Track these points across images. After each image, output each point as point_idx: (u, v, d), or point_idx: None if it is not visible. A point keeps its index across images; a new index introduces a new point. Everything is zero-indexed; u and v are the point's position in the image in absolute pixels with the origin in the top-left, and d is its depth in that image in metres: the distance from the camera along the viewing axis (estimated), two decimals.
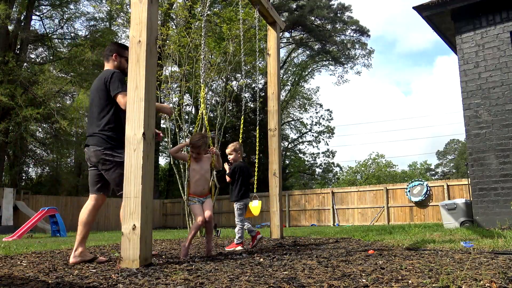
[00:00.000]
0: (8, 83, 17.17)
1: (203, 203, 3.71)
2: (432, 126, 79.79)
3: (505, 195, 7.27)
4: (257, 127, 5.57)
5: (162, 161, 31.80)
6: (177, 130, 9.13)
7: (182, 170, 7.91)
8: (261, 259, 3.21)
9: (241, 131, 5.33)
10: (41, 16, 22.53)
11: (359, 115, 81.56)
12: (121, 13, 21.05)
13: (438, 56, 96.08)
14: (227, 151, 4.67)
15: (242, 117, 5.44)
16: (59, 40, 23.87)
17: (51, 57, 22.59)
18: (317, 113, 34.29)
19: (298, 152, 35.44)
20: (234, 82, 20.54)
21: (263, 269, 2.63)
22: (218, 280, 2.24)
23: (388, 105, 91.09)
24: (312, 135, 34.16)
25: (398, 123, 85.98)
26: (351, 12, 31.49)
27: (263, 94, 25.63)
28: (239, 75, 22.43)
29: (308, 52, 33.09)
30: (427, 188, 15.33)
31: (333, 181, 39.17)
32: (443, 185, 15.15)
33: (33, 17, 21.67)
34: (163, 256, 3.74)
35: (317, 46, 31.67)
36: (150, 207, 3.01)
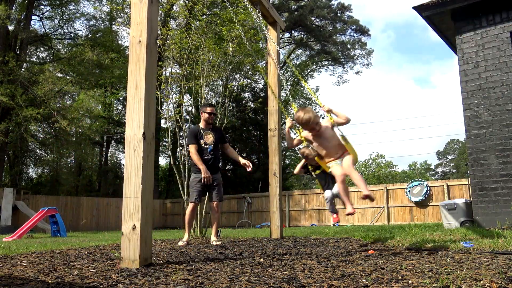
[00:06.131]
0: (8, 83, 17.15)
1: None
2: (437, 126, 79.56)
3: (505, 195, 7.27)
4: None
5: (162, 161, 31.80)
6: (177, 130, 9.12)
7: (182, 170, 7.90)
8: (261, 259, 3.21)
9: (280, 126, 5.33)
10: (41, 16, 22.53)
11: (370, 113, 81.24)
12: (121, 13, 21.03)
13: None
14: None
15: (285, 119, 5.06)
16: (59, 40, 23.86)
17: (51, 57, 22.59)
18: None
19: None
20: (234, 82, 20.50)
21: (263, 269, 2.63)
22: (218, 280, 2.25)
23: (403, 102, 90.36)
24: None
25: (400, 122, 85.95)
26: (351, 12, 31.47)
27: (263, 94, 25.64)
28: (239, 75, 22.41)
29: (308, 52, 33.06)
30: (427, 188, 15.33)
31: None
32: (443, 185, 15.14)
33: (33, 17, 21.68)
34: (163, 256, 3.74)
35: (317, 46, 31.64)
36: (150, 207, 3.01)
